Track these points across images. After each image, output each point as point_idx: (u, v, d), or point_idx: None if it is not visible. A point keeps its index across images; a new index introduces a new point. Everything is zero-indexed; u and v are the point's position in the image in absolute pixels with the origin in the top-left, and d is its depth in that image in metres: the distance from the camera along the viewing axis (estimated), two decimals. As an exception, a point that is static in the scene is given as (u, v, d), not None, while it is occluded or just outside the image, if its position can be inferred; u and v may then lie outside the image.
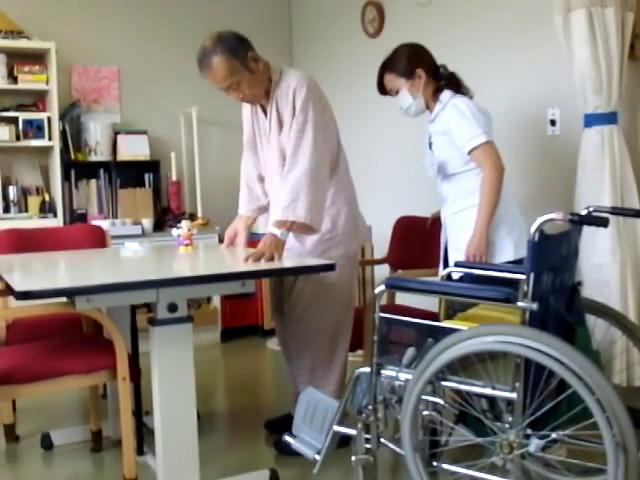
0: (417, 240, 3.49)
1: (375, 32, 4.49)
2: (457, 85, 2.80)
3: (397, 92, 2.83)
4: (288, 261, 2.51)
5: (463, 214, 2.74)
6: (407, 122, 4.19)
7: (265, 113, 2.79)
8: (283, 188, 2.60)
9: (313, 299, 2.78)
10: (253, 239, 3.29)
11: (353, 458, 2.13)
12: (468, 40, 3.72)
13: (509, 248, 2.67)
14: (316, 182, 2.56)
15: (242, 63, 2.58)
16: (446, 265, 2.84)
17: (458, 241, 2.76)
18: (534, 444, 1.94)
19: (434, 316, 2.44)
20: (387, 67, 2.84)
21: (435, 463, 1.98)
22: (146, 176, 4.87)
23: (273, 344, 4.51)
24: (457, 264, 2.56)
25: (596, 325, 2.35)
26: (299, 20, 5.41)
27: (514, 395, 1.82)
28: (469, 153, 2.66)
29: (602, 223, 1.97)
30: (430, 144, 2.86)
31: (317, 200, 2.56)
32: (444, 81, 2.80)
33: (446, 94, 2.77)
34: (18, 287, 1.99)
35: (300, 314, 2.80)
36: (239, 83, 2.61)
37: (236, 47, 2.57)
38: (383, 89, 2.89)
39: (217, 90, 2.70)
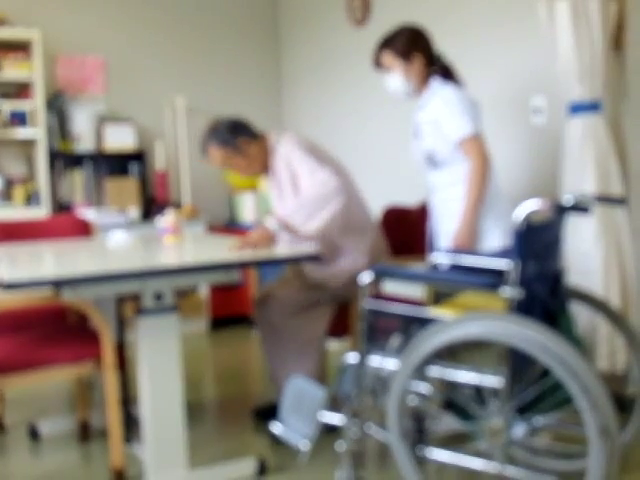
0: (404, 229, 3.50)
1: (361, 19, 4.48)
2: (449, 75, 2.81)
3: (388, 70, 2.82)
4: (274, 251, 2.52)
5: (453, 203, 2.74)
6: (392, 111, 4.21)
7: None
8: (303, 196, 2.71)
9: (300, 304, 2.82)
10: (240, 229, 3.28)
11: (340, 446, 2.15)
12: (453, 27, 3.72)
13: (496, 237, 2.68)
14: (339, 205, 2.64)
15: (234, 149, 2.85)
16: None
17: (448, 229, 2.77)
18: (519, 429, 1.96)
19: (420, 303, 2.45)
20: (386, 44, 2.81)
21: (422, 449, 2.00)
22: (132, 166, 4.84)
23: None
24: (442, 252, 2.57)
25: (580, 312, 2.37)
26: (285, 7, 5.38)
27: (499, 381, 1.84)
28: (457, 144, 2.67)
29: (584, 210, 1.99)
30: (418, 132, 2.86)
31: (324, 221, 2.63)
32: (436, 68, 2.81)
33: (436, 81, 2.77)
34: (3, 278, 1.99)
35: (281, 319, 2.82)
36: (234, 165, 2.89)
37: (227, 138, 2.83)
38: (378, 63, 2.87)
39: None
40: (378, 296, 3.18)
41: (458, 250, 2.56)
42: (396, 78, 2.81)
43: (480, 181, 2.63)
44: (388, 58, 2.81)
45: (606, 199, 2.44)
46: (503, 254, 2.44)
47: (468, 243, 2.65)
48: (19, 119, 4.37)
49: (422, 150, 2.83)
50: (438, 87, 2.76)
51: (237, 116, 2.93)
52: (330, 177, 2.66)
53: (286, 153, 2.82)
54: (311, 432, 2.20)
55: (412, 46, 2.78)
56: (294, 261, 2.74)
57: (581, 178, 2.81)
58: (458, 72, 2.85)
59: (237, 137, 2.83)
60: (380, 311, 2.10)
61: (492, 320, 1.81)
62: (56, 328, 2.79)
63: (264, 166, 2.94)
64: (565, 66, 2.83)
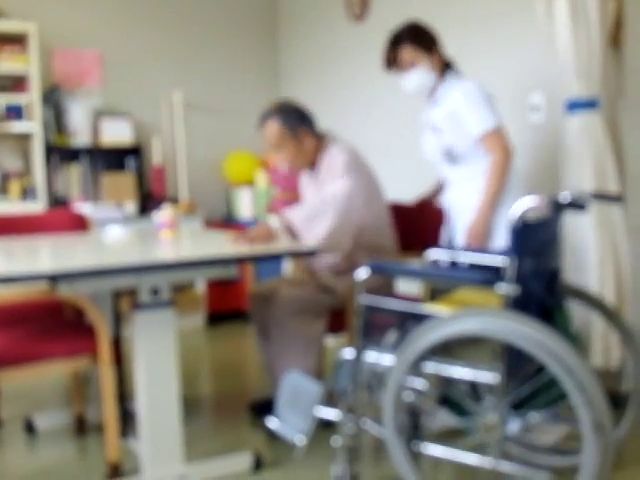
0: (402, 226, 3.50)
1: (359, 15, 4.47)
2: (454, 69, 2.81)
3: (411, 65, 2.76)
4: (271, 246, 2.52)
5: (470, 197, 2.73)
6: (391, 107, 4.21)
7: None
8: (315, 199, 2.74)
9: (307, 304, 2.81)
10: (237, 224, 3.28)
11: (336, 441, 2.15)
12: (451, 24, 3.71)
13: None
14: (342, 212, 2.65)
15: (293, 133, 2.85)
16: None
17: (464, 224, 2.75)
18: (514, 425, 1.97)
19: (416, 300, 2.45)
20: (409, 38, 2.74)
21: (417, 445, 2.01)
22: (129, 160, 4.83)
23: (257, 329, 4.51)
24: (441, 248, 2.57)
25: (575, 309, 2.38)
26: (284, 2, 5.37)
27: (495, 377, 1.85)
28: (479, 138, 2.66)
29: (581, 207, 2.00)
30: (435, 128, 2.83)
31: (332, 230, 2.64)
32: (448, 63, 2.80)
33: (451, 76, 2.77)
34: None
35: (286, 316, 2.81)
36: (284, 149, 2.87)
37: (292, 120, 2.85)
38: (389, 62, 2.80)
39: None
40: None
41: (458, 247, 2.57)
42: (420, 73, 2.76)
43: (501, 175, 2.62)
44: (408, 53, 2.75)
45: (602, 196, 2.45)
46: (500, 250, 2.45)
47: (483, 236, 2.64)
48: (15, 113, 4.36)
49: (440, 145, 2.79)
50: (456, 81, 2.74)
51: (306, 108, 2.95)
52: (346, 183, 2.68)
53: (333, 158, 2.84)
54: (307, 427, 2.21)
55: (433, 39, 2.77)
56: (291, 256, 2.73)
57: (578, 175, 2.82)
58: (458, 68, 2.85)
59: (301, 124, 2.87)
60: (376, 307, 2.10)
61: (488, 316, 1.81)
62: (52, 322, 2.78)
63: (308, 163, 2.94)
64: (563, 63, 2.83)
